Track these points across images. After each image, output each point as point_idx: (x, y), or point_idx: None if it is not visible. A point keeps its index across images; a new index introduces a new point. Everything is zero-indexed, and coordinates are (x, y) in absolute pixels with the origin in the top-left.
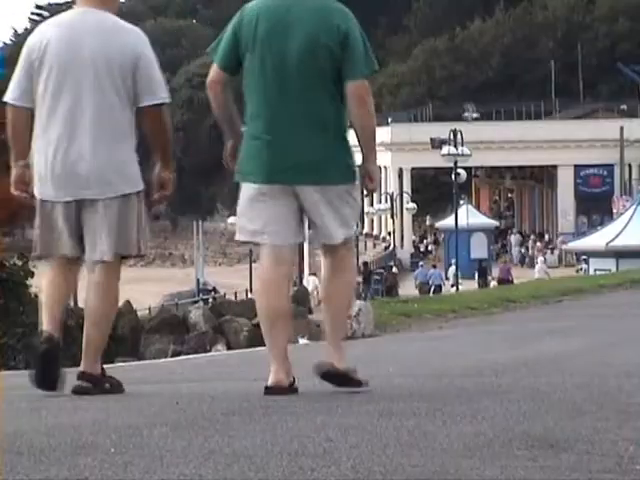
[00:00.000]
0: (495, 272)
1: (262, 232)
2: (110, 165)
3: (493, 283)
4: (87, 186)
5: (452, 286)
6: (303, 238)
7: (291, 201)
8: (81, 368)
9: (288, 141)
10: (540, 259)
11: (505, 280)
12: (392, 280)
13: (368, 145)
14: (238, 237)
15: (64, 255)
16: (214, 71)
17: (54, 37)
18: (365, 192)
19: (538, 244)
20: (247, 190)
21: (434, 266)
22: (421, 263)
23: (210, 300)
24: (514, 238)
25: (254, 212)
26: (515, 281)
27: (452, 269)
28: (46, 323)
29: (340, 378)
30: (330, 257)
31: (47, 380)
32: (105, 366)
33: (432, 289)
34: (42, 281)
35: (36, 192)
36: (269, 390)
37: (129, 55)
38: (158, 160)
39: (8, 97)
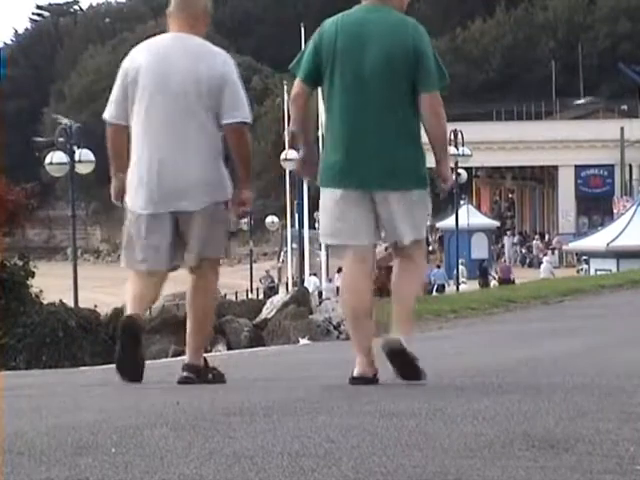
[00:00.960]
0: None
1: (345, 235)
2: (201, 177)
3: (494, 283)
4: (182, 198)
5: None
6: (380, 239)
7: (369, 205)
8: (186, 360)
9: (367, 150)
10: (546, 259)
11: (507, 280)
12: (383, 280)
13: (442, 150)
14: (323, 240)
15: (154, 270)
16: (298, 85)
17: (147, 59)
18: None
19: (540, 244)
20: (329, 196)
21: (438, 266)
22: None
23: None
24: (507, 240)
25: (336, 217)
26: (518, 281)
27: (461, 269)
28: (130, 310)
29: (405, 363)
30: (400, 256)
31: (128, 362)
32: (105, 366)
33: (435, 288)
34: (127, 284)
35: (129, 204)
36: (355, 380)
37: (216, 77)
38: (240, 177)
39: (107, 115)
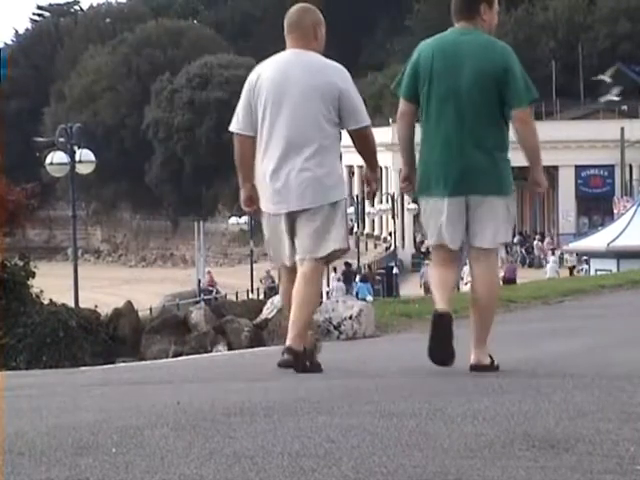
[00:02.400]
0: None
1: (441, 237)
2: (317, 179)
3: None
4: (300, 198)
5: (465, 284)
6: (467, 241)
7: (462, 210)
8: (287, 344)
9: (462, 159)
10: (552, 258)
11: (511, 280)
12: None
13: (534, 159)
14: (430, 242)
15: (286, 264)
16: (402, 104)
17: (269, 74)
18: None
19: (540, 244)
20: (428, 204)
21: None
22: (426, 262)
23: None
24: None
25: (434, 221)
26: (519, 281)
27: (466, 269)
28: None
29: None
30: (478, 258)
31: (440, 350)
32: (105, 366)
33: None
34: (280, 287)
35: (263, 207)
36: (473, 367)
37: (333, 89)
38: (367, 165)
39: (234, 127)
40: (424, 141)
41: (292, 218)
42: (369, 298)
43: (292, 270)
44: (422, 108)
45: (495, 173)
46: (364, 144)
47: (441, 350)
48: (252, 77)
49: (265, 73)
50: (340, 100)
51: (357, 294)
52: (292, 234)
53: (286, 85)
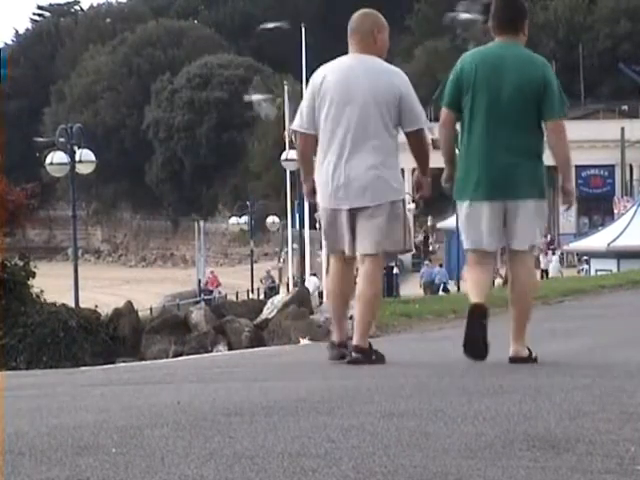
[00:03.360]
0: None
1: (479, 240)
2: (378, 178)
3: (497, 281)
4: (361, 196)
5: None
6: (504, 244)
7: (500, 213)
8: (354, 342)
9: (501, 165)
10: (555, 258)
11: None
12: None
13: (565, 168)
14: (466, 245)
15: (344, 251)
16: (444, 112)
17: (332, 77)
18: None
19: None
20: (466, 208)
21: (440, 265)
22: (426, 262)
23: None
24: None
25: (472, 225)
26: None
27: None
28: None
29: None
30: (515, 259)
31: (475, 343)
32: (105, 366)
33: (441, 287)
34: (330, 271)
35: (320, 202)
36: (512, 360)
37: (393, 92)
38: (419, 169)
39: (297, 126)
40: (464, 148)
41: (353, 214)
42: None
43: (347, 259)
44: (464, 116)
45: (532, 178)
46: (419, 146)
47: (475, 344)
48: (316, 79)
49: (329, 76)
50: (400, 103)
51: (436, 280)
52: (353, 229)
53: (349, 88)
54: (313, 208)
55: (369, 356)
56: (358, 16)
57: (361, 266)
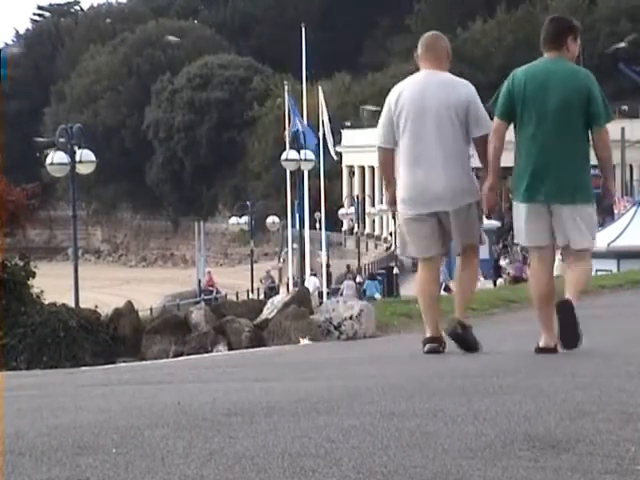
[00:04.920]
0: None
1: (529, 238)
2: (456, 184)
3: (500, 281)
4: (440, 201)
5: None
6: (555, 242)
7: (547, 215)
8: (456, 317)
9: (550, 171)
10: (558, 257)
11: (520, 278)
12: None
13: (609, 172)
14: (520, 242)
15: (430, 256)
16: (497, 122)
17: (409, 94)
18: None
19: None
20: (520, 208)
21: None
22: None
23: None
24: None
25: (526, 223)
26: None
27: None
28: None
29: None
30: (571, 257)
31: (569, 335)
32: (105, 366)
33: (442, 286)
34: (420, 274)
35: (401, 209)
36: (541, 350)
37: (463, 102)
38: (483, 175)
39: (378, 142)
40: (518, 154)
41: (437, 218)
42: (377, 295)
43: (430, 261)
44: (516, 126)
45: (581, 182)
46: (485, 149)
47: (569, 335)
48: (392, 97)
49: (405, 93)
50: (468, 111)
51: (365, 291)
52: (439, 230)
53: (425, 102)
54: (313, 208)
55: (467, 332)
56: (432, 36)
57: (458, 258)
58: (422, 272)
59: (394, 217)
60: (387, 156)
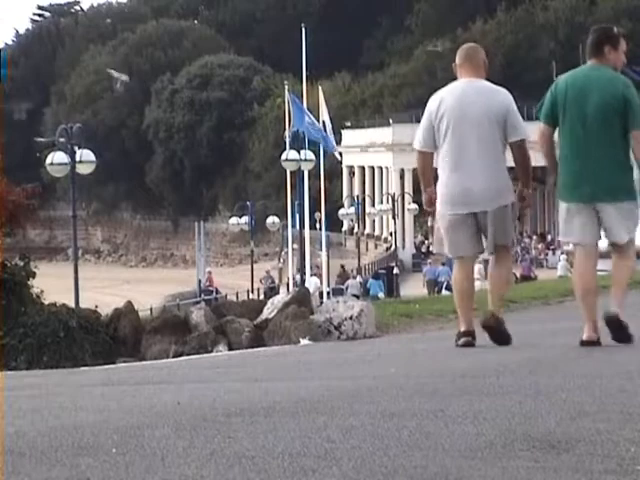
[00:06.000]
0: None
1: (578, 235)
2: (495, 185)
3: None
4: (479, 202)
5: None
6: (600, 239)
7: (593, 214)
8: (490, 308)
9: (592, 172)
10: (563, 257)
11: (527, 277)
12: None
13: None
14: (561, 239)
15: (467, 255)
16: (542, 126)
17: (449, 100)
18: None
19: (540, 245)
20: (565, 208)
21: (443, 264)
22: (429, 260)
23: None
24: None
25: (570, 222)
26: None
27: (477, 267)
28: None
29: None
30: (617, 252)
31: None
32: (105, 366)
33: (445, 285)
34: (455, 272)
35: (441, 209)
36: (584, 343)
37: (502, 109)
38: (522, 180)
39: (418, 146)
40: (562, 155)
41: (476, 217)
42: (381, 295)
43: (465, 260)
44: (560, 130)
45: (623, 181)
46: (522, 155)
47: (621, 330)
48: (433, 104)
49: (446, 100)
50: (506, 117)
51: (369, 290)
52: (475, 230)
53: (465, 108)
54: (313, 208)
55: (502, 325)
56: (471, 47)
57: (491, 257)
58: (457, 270)
59: (394, 217)
60: (427, 159)
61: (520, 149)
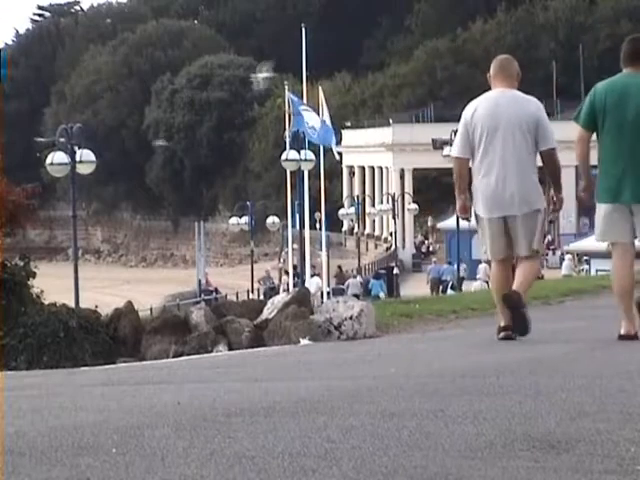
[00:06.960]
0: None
1: (615, 235)
2: (526, 191)
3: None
4: (512, 206)
5: (485, 282)
6: (636, 238)
7: (629, 215)
8: (515, 288)
9: (630, 174)
10: (568, 256)
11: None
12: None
13: None
14: (598, 239)
15: (500, 257)
16: (580, 131)
17: (484, 110)
18: None
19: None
20: (604, 209)
21: (449, 262)
22: (434, 259)
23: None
24: None
25: (608, 222)
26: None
27: (481, 267)
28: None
29: None
30: None
31: None
32: (105, 367)
33: (449, 285)
34: (494, 272)
35: (479, 213)
36: (622, 337)
37: (533, 118)
38: (554, 186)
39: (455, 153)
40: (602, 159)
41: (508, 221)
42: (382, 294)
43: (503, 261)
44: (599, 135)
45: None
46: (552, 164)
47: None
48: (468, 112)
49: (480, 108)
50: (537, 126)
51: (370, 290)
52: (507, 233)
53: (499, 117)
54: (313, 209)
55: (524, 308)
56: (505, 59)
57: (520, 262)
58: (495, 271)
59: (394, 217)
60: (463, 165)
61: (550, 157)
